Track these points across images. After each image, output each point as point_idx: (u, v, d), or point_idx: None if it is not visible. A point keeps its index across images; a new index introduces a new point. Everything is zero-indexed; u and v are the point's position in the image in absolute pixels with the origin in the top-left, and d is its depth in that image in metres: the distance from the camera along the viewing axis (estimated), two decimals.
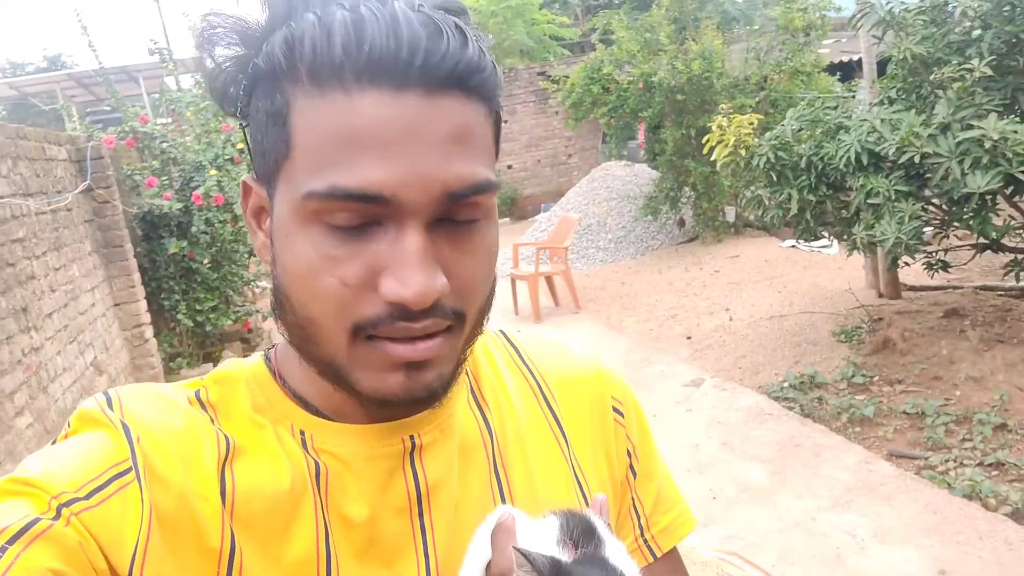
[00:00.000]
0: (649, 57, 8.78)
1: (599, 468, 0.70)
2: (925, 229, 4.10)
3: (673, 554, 0.74)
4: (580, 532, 0.51)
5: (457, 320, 0.53)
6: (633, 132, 10.58)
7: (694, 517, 0.76)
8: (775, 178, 4.39)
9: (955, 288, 5.55)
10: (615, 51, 9.34)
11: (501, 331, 0.75)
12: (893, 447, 3.61)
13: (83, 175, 4.76)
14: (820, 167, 4.17)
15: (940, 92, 3.80)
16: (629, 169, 10.36)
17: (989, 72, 3.53)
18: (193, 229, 5.51)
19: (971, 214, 3.65)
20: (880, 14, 4.06)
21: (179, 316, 5.63)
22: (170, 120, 7.15)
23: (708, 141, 5.00)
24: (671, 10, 9.01)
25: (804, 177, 4.26)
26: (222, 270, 6.10)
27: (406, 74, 0.47)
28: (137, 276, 5.15)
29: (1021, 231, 4.08)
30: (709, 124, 5.06)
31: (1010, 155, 3.30)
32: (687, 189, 8.95)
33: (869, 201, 3.82)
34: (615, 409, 0.72)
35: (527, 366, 0.71)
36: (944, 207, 4.09)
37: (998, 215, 3.82)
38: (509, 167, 14.67)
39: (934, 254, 4.49)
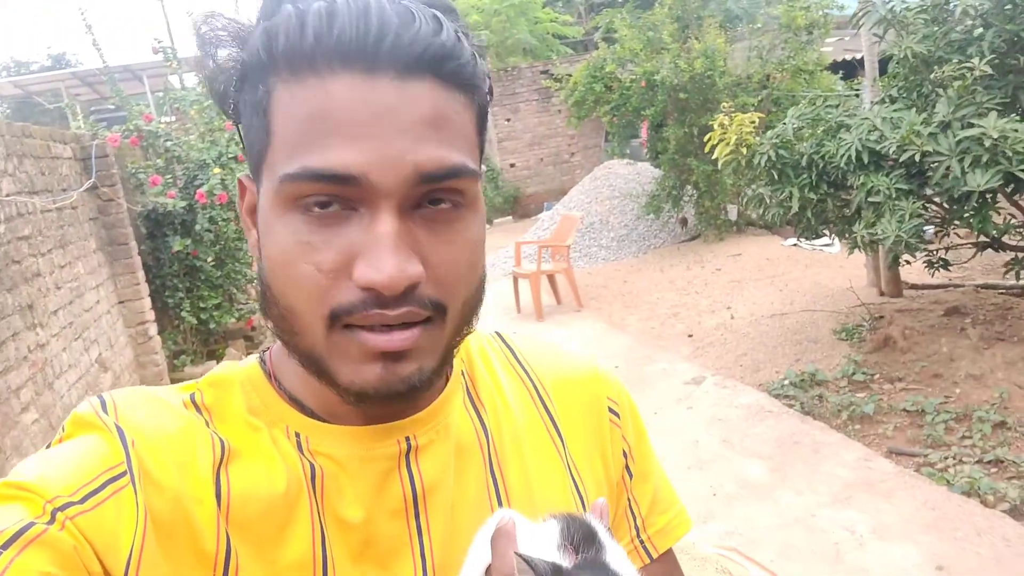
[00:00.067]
0: (652, 56, 8.79)
1: (595, 469, 0.70)
2: (927, 228, 4.12)
3: (669, 555, 0.74)
4: (581, 537, 0.51)
5: (437, 312, 0.52)
6: (636, 130, 10.60)
7: (690, 518, 0.76)
8: (776, 176, 4.40)
9: (956, 286, 5.56)
10: (618, 50, 9.35)
11: (497, 333, 0.75)
12: (893, 444, 3.63)
13: (88, 173, 4.79)
14: (821, 165, 4.18)
15: (941, 91, 3.81)
16: (631, 167, 10.38)
17: (989, 71, 3.54)
18: (197, 227, 5.54)
19: (971, 212, 3.66)
20: (881, 13, 4.07)
21: (183, 314, 5.65)
22: (174, 118, 7.18)
23: (710, 140, 5.01)
24: (674, 8, 9.02)
25: (805, 175, 4.28)
26: (226, 268, 6.12)
27: (375, 57, 0.47)
28: (141, 274, 5.18)
29: (1021, 229, 4.09)
30: (711, 123, 5.07)
31: (1010, 153, 3.32)
32: (689, 188, 8.96)
33: (870, 199, 3.83)
34: (611, 410, 0.72)
35: (523, 368, 0.71)
36: (945, 205, 4.10)
37: (999, 213, 3.83)
38: (512, 165, 14.70)
39: (935, 252, 4.50)
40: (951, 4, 3.91)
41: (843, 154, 3.92)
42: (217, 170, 5.57)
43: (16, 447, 3.14)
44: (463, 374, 0.67)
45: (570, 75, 10.46)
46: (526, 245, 8.16)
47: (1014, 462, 3.24)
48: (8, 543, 0.43)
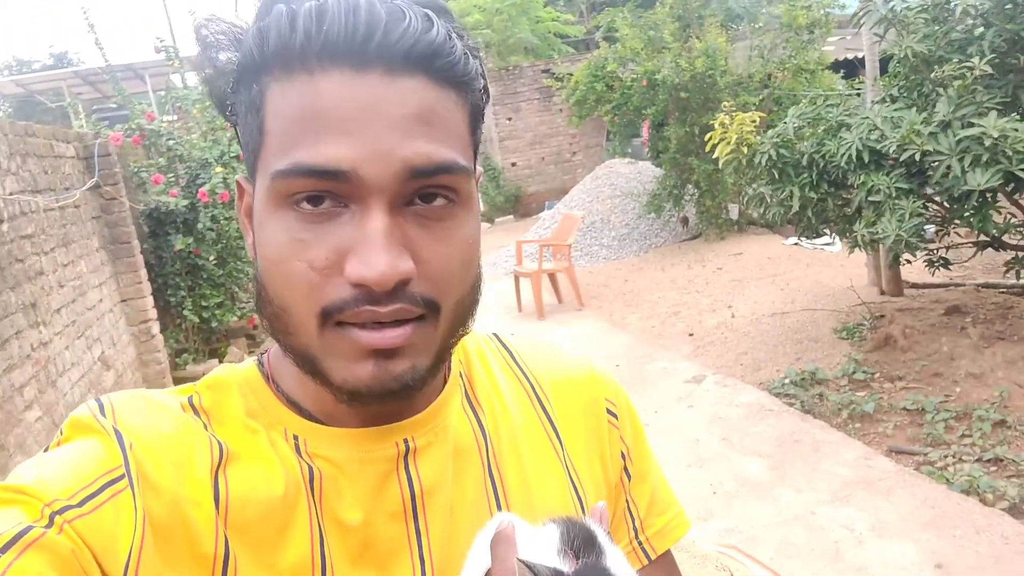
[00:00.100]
0: (653, 55, 8.80)
1: (593, 470, 0.70)
2: (927, 227, 4.12)
3: (668, 556, 0.74)
4: (581, 542, 0.51)
5: (430, 310, 0.52)
6: (637, 130, 10.60)
7: (688, 519, 0.76)
8: (777, 176, 4.41)
9: (957, 285, 5.56)
10: (619, 49, 9.36)
11: (495, 334, 0.75)
12: (893, 443, 3.64)
13: (91, 172, 4.80)
14: (821, 165, 4.19)
15: (941, 90, 3.81)
16: (633, 167, 10.38)
17: (989, 70, 3.55)
18: (199, 226, 5.56)
19: (972, 211, 3.67)
20: (882, 12, 4.08)
21: (185, 312, 5.67)
22: (176, 117, 7.20)
23: (711, 139, 5.02)
24: (675, 8, 9.02)
25: (806, 175, 4.29)
26: (228, 267, 6.14)
27: (364, 52, 0.48)
28: (144, 272, 5.20)
29: (1022, 228, 4.09)
30: (713, 122, 5.08)
31: (1010, 153, 3.32)
32: (690, 187, 8.97)
33: (870, 198, 3.84)
34: (609, 411, 0.72)
35: (521, 369, 0.71)
36: (945, 204, 4.11)
37: (999, 212, 3.83)
38: (513, 164, 14.71)
39: (935, 251, 4.50)
40: (951, 3, 3.92)
41: (844, 153, 3.93)
42: (219, 169, 5.59)
43: (20, 445, 3.16)
44: (461, 376, 0.67)
45: (571, 74, 10.47)
46: (527, 244, 8.18)
47: (1013, 461, 3.25)
48: (6, 547, 0.43)
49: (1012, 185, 3.61)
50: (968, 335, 4.37)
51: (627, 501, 0.72)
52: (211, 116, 6.14)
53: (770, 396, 4.34)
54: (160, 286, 5.58)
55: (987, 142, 3.36)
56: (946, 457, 3.39)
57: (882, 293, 5.65)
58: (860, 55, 9.41)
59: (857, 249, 4.26)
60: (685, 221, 9.47)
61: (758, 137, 4.65)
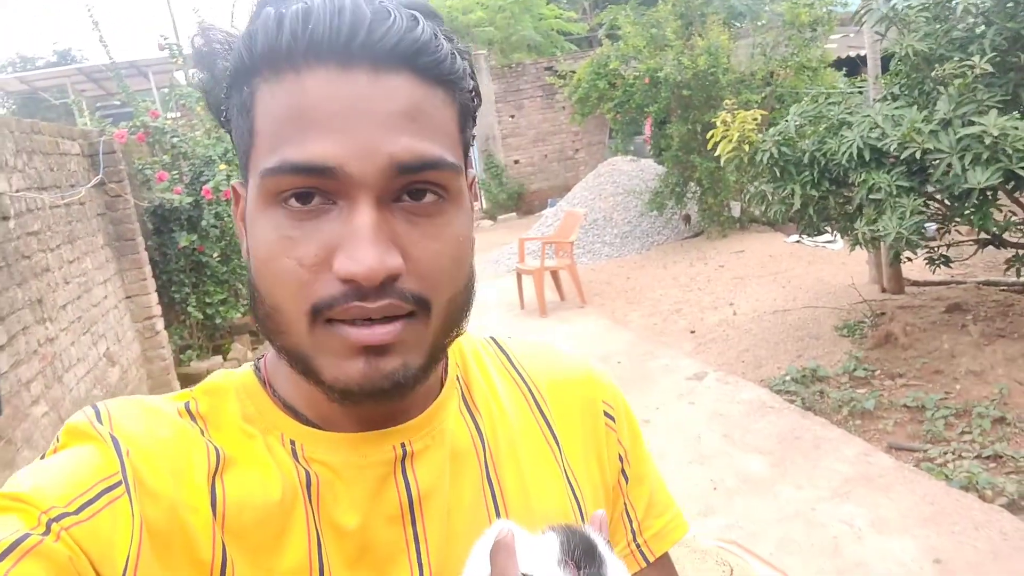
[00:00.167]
0: (655, 52, 8.81)
1: (591, 473, 0.70)
2: (929, 225, 4.14)
3: (665, 559, 0.74)
4: (581, 551, 0.50)
5: (420, 307, 0.52)
6: (639, 127, 10.61)
7: (686, 521, 0.76)
8: (778, 173, 4.42)
9: (958, 283, 5.58)
10: (621, 46, 9.38)
11: (492, 338, 0.75)
12: (893, 440, 3.66)
13: (96, 169, 4.83)
14: (823, 163, 4.21)
15: (942, 88, 3.82)
16: (635, 164, 10.39)
17: (990, 69, 3.56)
18: (203, 223, 5.59)
19: (972, 209, 3.68)
20: (883, 11, 4.09)
21: (189, 309, 5.71)
22: (180, 115, 7.22)
23: (713, 136, 5.04)
24: (677, 6, 9.03)
25: (807, 172, 4.30)
26: (231, 263, 6.17)
27: (349, 50, 0.48)
28: (148, 269, 5.23)
29: (1022, 227, 4.11)
30: (715, 120, 5.09)
31: (1010, 151, 3.34)
32: (693, 184, 8.98)
33: (871, 196, 3.85)
34: (606, 414, 0.72)
35: (517, 371, 0.71)
36: (946, 202, 4.12)
37: (1000, 210, 3.85)
38: (516, 162, 14.72)
39: (936, 249, 4.52)
40: (952, 2, 3.92)
41: (845, 151, 3.94)
42: (223, 166, 5.62)
43: (27, 439, 3.19)
44: (458, 379, 0.67)
45: (574, 72, 10.48)
46: (530, 241, 8.19)
47: (1013, 457, 3.27)
48: (3, 555, 0.43)
49: (1012, 183, 3.62)
50: (969, 332, 4.38)
51: (625, 504, 0.72)
52: None
53: (771, 393, 4.36)
54: (164, 283, 5.61)
55: (987, 140, 3.38)
56: (946, 454, 3.40)
57: (883, 291, 5.67)
58: (863, 52, 9.39)
59: (858, 247, 4.27)
60: (687, 219, 9.48)
61: (760, 135, 4.66)
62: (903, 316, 4.85)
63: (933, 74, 3.85)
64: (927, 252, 4.46)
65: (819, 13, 8.16)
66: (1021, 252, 4.12)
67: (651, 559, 0.72)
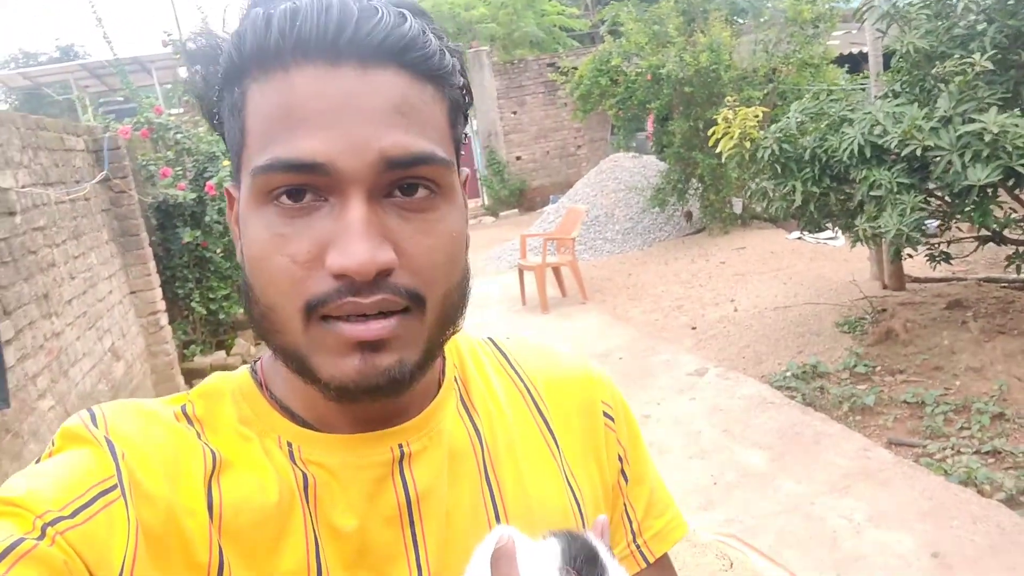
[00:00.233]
0: (657, 49, 8.82)
1: (590, 473, 0.69)
2: (930, 222, 4.15)
3: (664, 559, 0.74)
4: (583, 559, 0.50)
5: (414, 303, 0.51)
6: (641, 124, 10.62)
7: (686, 521, 0.75)
8: (779, 170, 4.44)
9: (959, 280, 5.59)
10: (623, 43, 9.38)
11: (489, 338, 0.74)
12: (892, 435, 3.68)
13: (100, 165, 4.86)
14: (824, 159, 4.22)
15: (942, 86, 3.84)
16: (637, 161, 10.40)
17: (991, 66, 3.57)
18: (206, 219, 5.62)
19: (972, 206, 3.70)
20: (884, 8, 4.10)
21: (193, 304, 5.74)
22: (183, 111, 7.25)
23: (714, 133, 5.05)
24: (680, 2, 9.05)
25: (808, 169, 4.31)
26: (234, 259, 6.19)
27: (336, 46, 0.48)
28: (152, 265, 5.26)
29: (1022, 223, 4.12)
30: (716, 116, 5.11)
31: (1010, 148, 3.35)
32: (694, 181, 8.99)
33: (872, 193, 3.87)
34: (605, 414, 0.72)
35: (515, 371, 0.71)
36: (946, 199, 4.13)
37: (1000, 207, 3.86)
38: (518, 158, 14.73)
39: (936, 246, 4.53)
40: None
41: (846, 148, 3.96)
42: (226, 163, 5.64)
43: (33, 432, 3.22)
44: (456, 380, 0.67)
45: (576, 68, 10.49)
46: (531, 238, 8.21)
47: (1011, 453, 3.29)
48: None
49: (1012, 180, 3.64)
50: (969, 329, 4.40)
51: (624, 504, 0.72)
52: None
53: (771, 389, 4.38)
54: (168, 278, 5.64)
55: (987, 138, 3.39)
56: (945, 449, 3.43)
57: (884, 287, 5.69)
58: (865, 49, 9.41)
59: (859, 243, 4.29)
60: (689, 215, 9.50)
61: (761, 132, 4.68)
62: (904, 312, 4.87)
63: (934, 71, 3.86)
64: (928, 249, 4.47)
65: (821, 10, 8.16)
66: (1021, 249, 4.14)
67: (651, 560, 0.72)
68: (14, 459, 2.99)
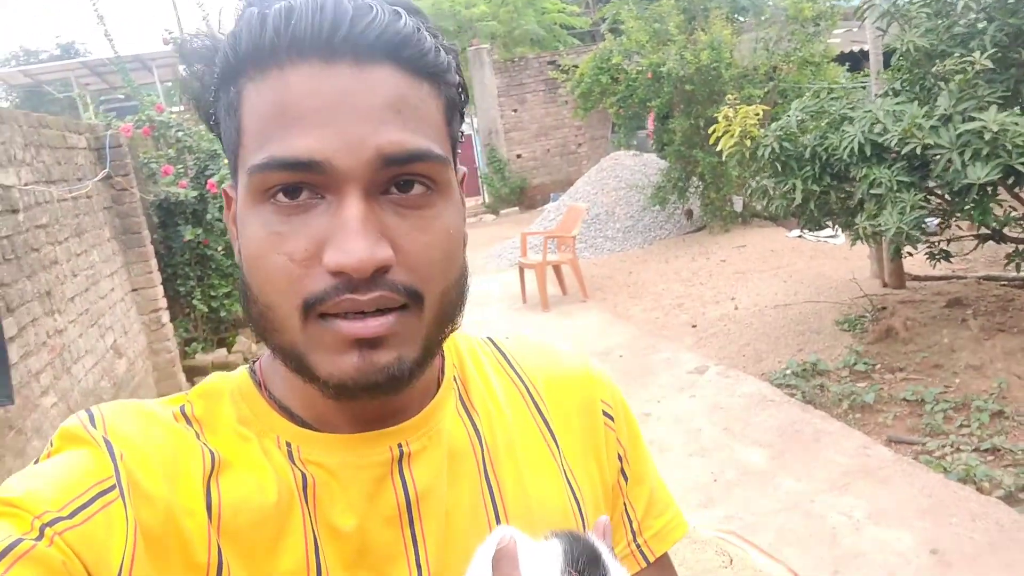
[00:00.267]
0: (658, 47, 8.82)
1: (590, 472, 0.69)
2: (930, 220, 4.16)
3: (664, 559, 0.73)
4: (585, 561, 0.49)
5: (412, 300, 0.51)
6: (642, 122, 10.63)
7: (686, 520, 0.75)
8: (780, 168, 4.44)
9: (959, 278, 5.60)
10: (624, 41, 9.38)
11: (489, 338, 0.74)
12: (892, 433, 3.69)
13: (102, 163, 4.87)
14: (824, 158, 4.23)
15: (942, 84, 3.84)
16: (638, 159, 10.40)
17: (991, 65, 3.57)
18: (208, 216, 5.63)
19: (972, 205, 3.70)
20: (884, 6, 4.11)
21: (194, 302, 5.75)
22: (184, 108, 7.25)
23: (715, 131, 5.06)
24: (680, 0, 9.03)
25: (808, 167, 4.32)
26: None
27: (331, 44, 0.49)
28: (154, 262, 5.28)
29: (1022, 222, 4.13)
30: (717, 114, 5.12)
31: (1010, 147, 3.36)
32: (695, 179, 9.00)
33: (872, 191, 3.87)
34: (605, 413, 0.72)
35: (515, 370, 0.71)
36: (946, 198, 4.14)
37: (1000, 206, 3.87)
38: (519, 156, 14.73)
39: (936, 244, 4.54)
40: None
41: (846, 146, 3.96)
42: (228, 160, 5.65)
43: (36, 429, 3.24)
44: (455, 379, 0.66)
45: (577, 66, 10.49)
46: (532, 236, 8.22)
47: (1010, 450, 3.30)
48: None
49: (1012, 179, 3.65)
50: (968, 327, 4.41)
51: (624, 504, 0.72)
52: None
53: (772, 387, 4.39)
54: (170, 276, 5.65)
55: (987, 136, 3.40)
56: (944, 447, 3.44)
57: (884, 285, 5.70)
58: (866, 47, 9.41)
59: (859, 242, 4.30)
60: (689, 213, 9.50)
61: (761, 130, 4.68)
62: (904, 311, 4.88)
63: (934, 70, 3.87)
64: (928, 247, 4.48)
65: (822, 8, 8.17)
66: (1021, 247, 4.15)
67: (651, 559, 0.72)
68: (17, 455, 3.01)
